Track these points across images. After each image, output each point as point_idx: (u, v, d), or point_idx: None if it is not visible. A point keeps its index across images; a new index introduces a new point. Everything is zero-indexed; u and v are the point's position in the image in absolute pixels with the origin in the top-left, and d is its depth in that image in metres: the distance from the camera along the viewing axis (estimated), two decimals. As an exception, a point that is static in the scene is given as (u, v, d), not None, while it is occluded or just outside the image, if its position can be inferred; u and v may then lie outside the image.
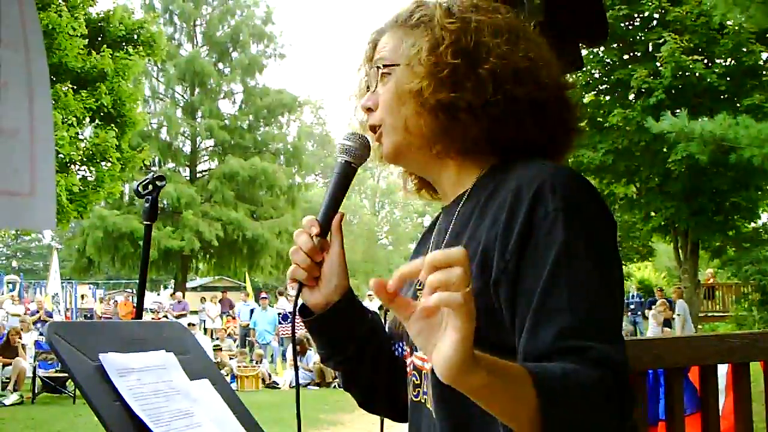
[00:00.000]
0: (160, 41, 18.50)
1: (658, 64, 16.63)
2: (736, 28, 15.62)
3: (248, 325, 17.64)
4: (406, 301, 0.89)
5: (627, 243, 24.97)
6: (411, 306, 0.88)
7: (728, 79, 16.67)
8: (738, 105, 16.01)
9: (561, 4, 2.35)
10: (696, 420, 2.39)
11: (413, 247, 1.44)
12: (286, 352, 14.91)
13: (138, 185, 2.49)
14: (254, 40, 34.91)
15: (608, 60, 18.13)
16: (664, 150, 16.33)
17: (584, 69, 17.07)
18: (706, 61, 16.87)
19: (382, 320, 1.40)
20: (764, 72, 17.17)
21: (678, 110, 10.53)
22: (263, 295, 18.45)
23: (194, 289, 33.42)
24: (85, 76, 15.85)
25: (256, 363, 14.24)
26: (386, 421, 1.39)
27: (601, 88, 18.82)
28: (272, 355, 16.00)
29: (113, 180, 16.67)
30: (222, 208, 31.13)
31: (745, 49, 16.32)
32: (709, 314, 22.39)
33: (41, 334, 13.95)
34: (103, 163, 16.41)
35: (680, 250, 18.95)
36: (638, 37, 17.82)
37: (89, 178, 16.61)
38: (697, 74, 16.31)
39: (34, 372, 11.72)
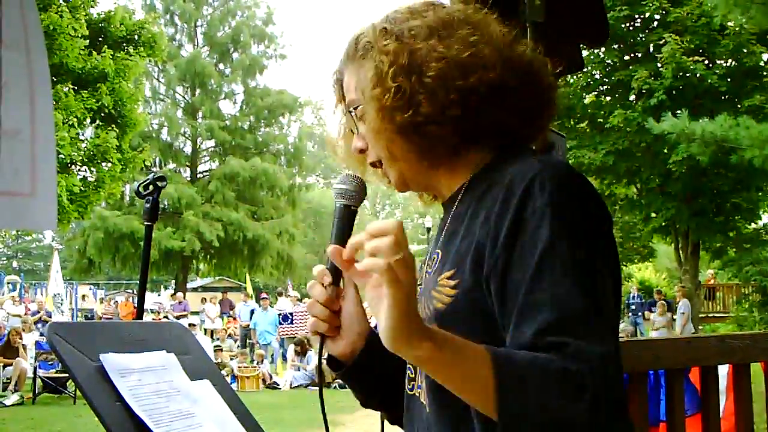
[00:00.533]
0: (160, 42, 18.52)
1: (659, 64, 16.62)
2: (737, 29, 15.61)
3: (249, 325, 17.67)
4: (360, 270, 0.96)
5: (627, 244, 24.96)
6: (366, 274, 0.95)
7: (729, 80, 16.68)
8: (739, 106, 16.00)
9: (562, 5, 2.36)
10: (697, 421, 2.40)
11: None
12: (286, 353, 14.91)
13: (139, 186, 2.49)
14: (255, 40, 34.89)
15: (609, 61, 18.12)
16: (665, 151, 16.32)
17: (585, 70, 17.06)
18: (706, 62, 16.86)
19: None
20: (765, 73, 17.14)
21: (679, 111, 10.49)
22: (264, 295, 18.48)
23: (195, 289, 33.42)
24: (85, 76, 15.86)
25: (257, 363, 14.25)
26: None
27: (601, 89, 18.82)
28: (273, 356, 15.99)
29: (114, 180, 16.68)
30: (222, 208, 31.10)
31: (745, 50, 16.32)
32: (710, 315, 22.40)
33: (42, 334, 13.96)
34: (103, 164, 16.42)
35: (681, 251, 18.92)
36: (639, 38, 17.82)
37: (90, 179, 16.63)
38: (697, 75, 16.30)
39: (34, 372, 11.72)
